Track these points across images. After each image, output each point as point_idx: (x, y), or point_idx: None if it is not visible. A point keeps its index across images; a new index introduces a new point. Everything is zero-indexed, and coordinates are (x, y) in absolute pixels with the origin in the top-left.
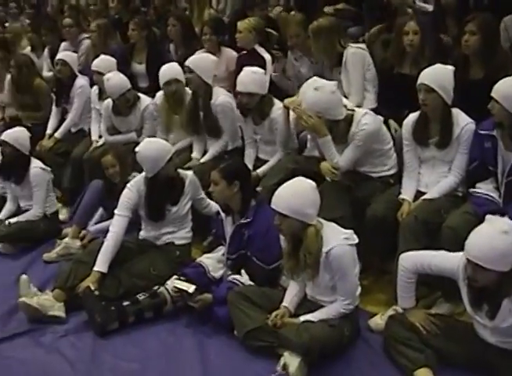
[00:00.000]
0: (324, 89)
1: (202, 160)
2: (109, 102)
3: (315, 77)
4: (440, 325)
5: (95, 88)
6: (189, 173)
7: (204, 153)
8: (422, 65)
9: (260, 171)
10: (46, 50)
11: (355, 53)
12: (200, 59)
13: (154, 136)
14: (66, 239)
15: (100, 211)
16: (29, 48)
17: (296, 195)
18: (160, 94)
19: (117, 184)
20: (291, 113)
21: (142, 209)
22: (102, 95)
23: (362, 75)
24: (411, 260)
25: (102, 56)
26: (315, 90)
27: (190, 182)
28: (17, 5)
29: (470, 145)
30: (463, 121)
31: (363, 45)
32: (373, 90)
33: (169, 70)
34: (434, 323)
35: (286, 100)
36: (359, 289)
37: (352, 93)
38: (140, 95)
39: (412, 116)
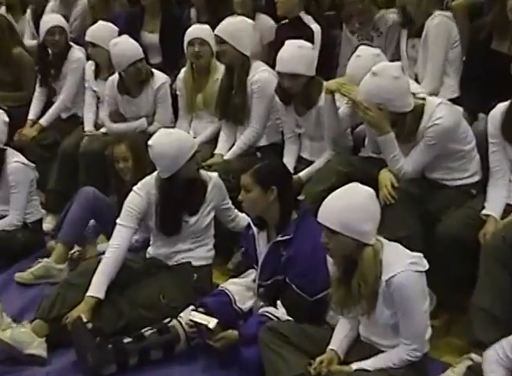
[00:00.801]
0: (385, 74)
1: (226, 157)
2: (114, 78)
3: (362, 46)
4: None
5: (91, 63)
6: (214, 175)
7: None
8: None
9: (303, 174)
10: (28, 11)
11: (440, 24)
12: (234, 26)
13: (170, 126)
14: (48, 259)
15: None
16: (4, 8)
17: (349, 206)
18: (184, 68)
19: (125, 184)
20: (338, 98)
21: (152, 219)
22: (99, 73)
23: (444, 54)
24: (492, 347)
25: (100, 23)
26: (373, 75)
27: (214, 187)
28: None
29: None
30: None
31: (450, 14)
32: (454, 75)
33: (196, 29)
34: None
35: (330, 82)
36: (430, 331)
37: (428, 76)
38: (154, 71)
39: (502, 106)
